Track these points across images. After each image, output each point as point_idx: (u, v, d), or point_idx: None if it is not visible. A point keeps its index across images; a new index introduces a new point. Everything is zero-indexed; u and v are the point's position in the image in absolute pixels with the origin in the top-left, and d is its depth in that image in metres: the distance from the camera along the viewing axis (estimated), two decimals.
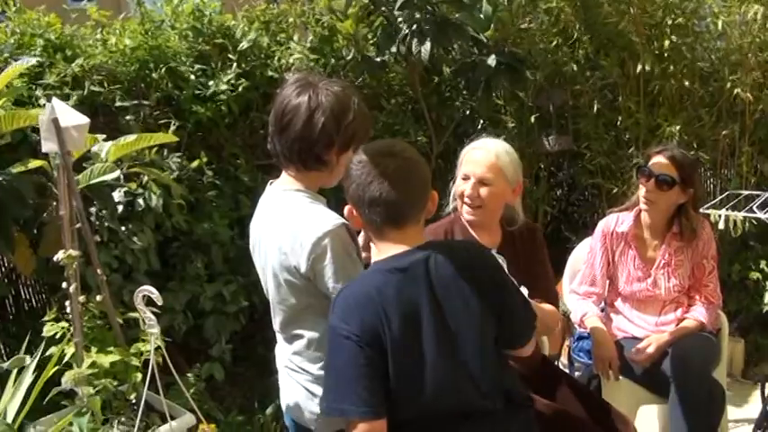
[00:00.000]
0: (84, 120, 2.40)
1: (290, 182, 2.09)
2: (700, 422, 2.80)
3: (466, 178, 2.62)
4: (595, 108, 4.44)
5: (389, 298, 1.83)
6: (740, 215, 3.36)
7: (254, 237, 2.22)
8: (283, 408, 2.25)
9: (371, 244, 1.99)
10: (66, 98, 3.22)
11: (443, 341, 1.87)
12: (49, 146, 2.34)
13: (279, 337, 2.27)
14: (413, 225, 1.93)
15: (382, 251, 1.94)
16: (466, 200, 2.61)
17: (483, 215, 2.65)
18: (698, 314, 3.08)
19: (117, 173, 2.82)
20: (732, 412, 3.72)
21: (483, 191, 2.59)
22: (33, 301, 3.74)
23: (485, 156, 2.60)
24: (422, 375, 1.87)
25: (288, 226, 2.02)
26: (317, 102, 1.99)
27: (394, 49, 3.99)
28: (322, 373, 2.03)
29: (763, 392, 2.94)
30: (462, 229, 2.71)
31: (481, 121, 4.79)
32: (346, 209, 1.95)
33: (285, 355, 2.22)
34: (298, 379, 2.15)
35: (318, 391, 2.05)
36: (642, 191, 3.05)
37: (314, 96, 1.99)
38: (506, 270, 2.25)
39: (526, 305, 2.12)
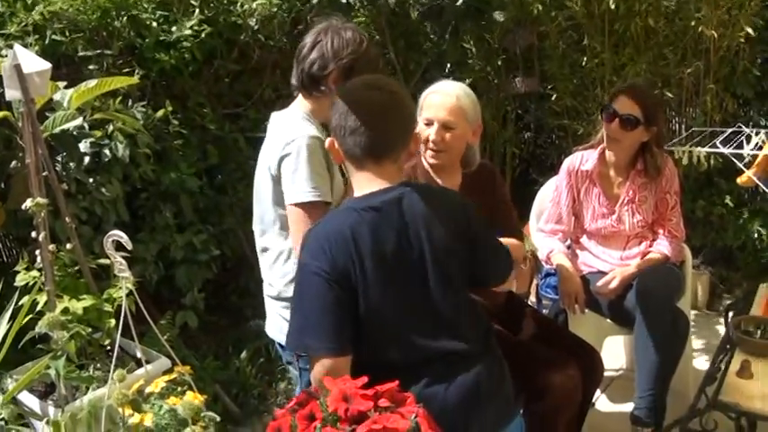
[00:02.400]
0: (47, 65, 2.36)
1: (293, 106, 2.34)
2: (664, 351, 2.88)
3: (429, 123, 2.61)
4: (561, 49, 4.46)
5: (362, 237, 1.85)
6: (704, 151, 3.42)
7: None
8: (268, 332, 2.42)
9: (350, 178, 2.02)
10: (26, 47, 3.16)
11: (416, 282, 1.90)
12: (12, 93, 2.31)
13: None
14: (391, 162, 1.94)
15: (358, 185, 1.95)
16: (431, 145, 2.61)
17: (446, 158, 2.66)
18: (662, 247, 3.14)
19: (80, 120, 2.79)
20: (697, 343, 3.84)
21: (447, 135, 2.60)
22: (4, 255, 3.72)
23: (446, 99, 2.60)
24: (393, 317, 1.89)
25: (273, 135, 2.27)
26: (323, 36, 2.25)
27: None
28: (290, 289, 2.11)
29: (726, 321, 3.02)
30: (424, 173, 2.72)
31: (449, 65, 4.79)
32: (327, 140, 2.00)
33: (263, 274, 2.37)
34: (276, 306, 2.29)
35: (286, 313, 2.15)
36: (607, 130, 3.08)
37: (323, 33, 2.26)
38: None
39: (501, 245, 2.16)
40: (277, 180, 2.17)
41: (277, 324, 2.32)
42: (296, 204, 2.13)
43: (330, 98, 2.14)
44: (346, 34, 2.24)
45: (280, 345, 2.34)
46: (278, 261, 2.27)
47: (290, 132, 2.18)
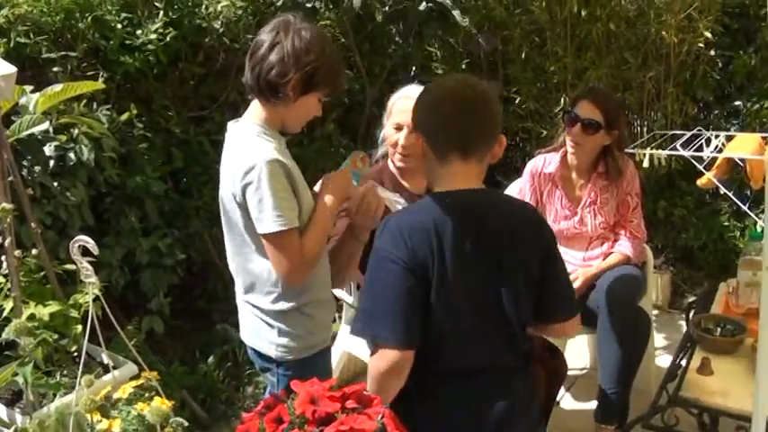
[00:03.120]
0: (12, 69, 2.34)
1: (249, 115, 2.18)
2: (627, 349, 2.93)
3: (398, 128, 2.63)
4: (524, 53, 4.51)
5: (446, 232, 1.82)
6: (664, 153, 3.47)
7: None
8: (243, 338, 2.34)
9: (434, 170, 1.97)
10: None
11: (490, 288, 1.88)
12: None
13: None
14: (477, 161, 1.91)
15: (441, 181, 1.93)
16: (400, 149, 2.63)
17: (415, 162, 2.68)
18: (623, 248, 3.20)
19: (46, 124, 2.77)
20: (660, 341, 3.91)
21: (415, 138, 2.62)
22: None
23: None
24: (460, 319, 1.86)
25: (231, 155, 2.13)
26: (282, 37, 2.06)
27: None
28: (275, 306, 2.14)
29: (687, 319, 3.09)
30: (391, 178, 2.75)
31: (413, 69, 4.82)
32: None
33: (238, 290, 2.30)
34: (254, 312, 2.23)
35: (275, 322, 2.16)
36: (569, 134, 3.13)
37: (282, 33, 2.07)
38: None
39: (570, 282, 2.09)
40: (244, 207, 2.09)
41: (254, 329, 2.26)
42: (266, 235, 2.07)
43: (286, 103, 2.10)
44: (307, 35, 2.07)
45: (254, 350, 2.30)
46: (259, 282, 2.19)
47: (248, 157, 2.05)
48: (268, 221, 2.04)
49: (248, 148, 2.08)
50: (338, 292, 3.00)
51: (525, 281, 1.91)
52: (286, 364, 2.22)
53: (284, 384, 2.18)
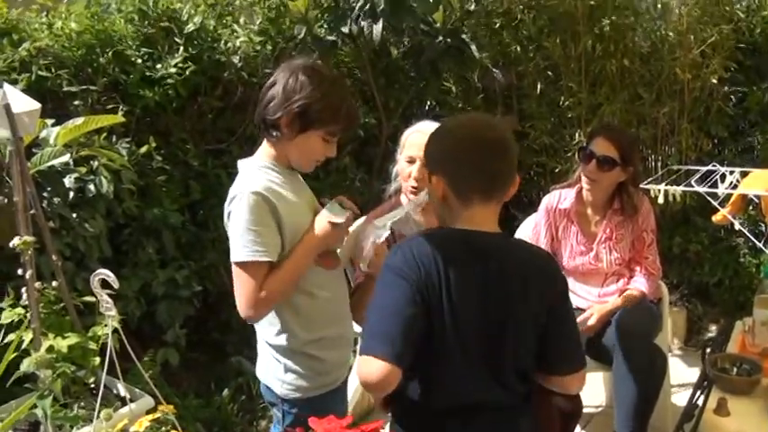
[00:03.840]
0: (36, 105, 2.39)
1: (258, 152, 2.22)
2: (643, 388, 2.92)
3: (411, 161, 2.65)
4: (539, 88, 4.54)
5: (456, 267, 1.82)
6: (679, 189, 3.48)
7: None
8: (257, 372, 2.34)
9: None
10: (13, 83, 3.19)
11: (492, 330, 1.86)
12: (0, 132, 2.33)
13: None
14: (496, 202, 1.91)
15: (459, 223, 1.91)
16: (412, 182, 2.66)
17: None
18: (639, 284, 3.20)
19: (67, 157, 2.81)
20: (676, 378, 3.87)
21: (424, 173, 2.64)
22: None
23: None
24: (458, 356, 1.85)
25: (232, 188, 2.15)
26: (281, 77, 2.11)
27: (345, 29, 4.02)
28: (278, 340, 2.16)
29: (703, 357, 3.07)
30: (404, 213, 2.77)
31: (429, 103, 4.86)
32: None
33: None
34: (265, 347, 2.24)
35: (281, 358, 2.17)
36: (584, 170, 3.15)
37: (282, 73, 2.13)
38: None
39: (577, 335, 2.03)
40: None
41: (264, 363, 2.28)
42: (235, 263, 2.09)
43: (284, 141, 2.12)
44: (303, 75, 2.10)
45: (267, 386, 2.30)
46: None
47: (236, 187, 2.11)
48: (235, 250, 2.06)
49: (240, 180, 2.14)
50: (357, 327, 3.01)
51: (532, 330, 1.89)
52: (292, 401, 2.22)
53: (290, 421, 2.21)
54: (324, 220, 2.17)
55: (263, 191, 2.06)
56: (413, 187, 2.67)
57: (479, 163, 1.86)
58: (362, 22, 3.94)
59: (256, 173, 2.14)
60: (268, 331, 2.21)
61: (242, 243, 2.04)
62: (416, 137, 2.67)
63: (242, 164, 2.22)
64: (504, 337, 1.86)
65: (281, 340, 2.18)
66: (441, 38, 4.21)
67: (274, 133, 2.12)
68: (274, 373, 2.22)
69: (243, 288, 2.08)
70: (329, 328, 2.24)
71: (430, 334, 1.82)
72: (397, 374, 1.76)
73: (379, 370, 1.74)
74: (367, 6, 3.93)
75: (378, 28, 3.89)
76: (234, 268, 2.09)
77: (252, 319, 2.14)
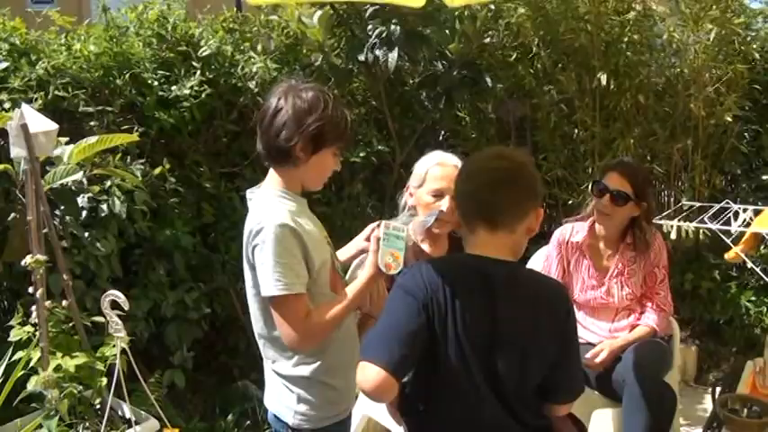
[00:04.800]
0: (53, 126, 2.41)
1: (267, 182, 2.18)
2: (652, 425, 2.88)
3: (439, 195, 2.65)
4: (552, 121, 4.55)
5: (461, 292, 1.86)
6: (692, 226, 3.47)
7: None
8: (265, 401, 2.30)
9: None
10: (30, 102, 3.22)
11: (493, 354, 1.88)
12: (17, 151, 2.35)
13: None
14: (506, 231, 1.92)
15: (470, 246, 1.97)
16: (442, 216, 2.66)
17: (451, 228, 2.72)
18: (650, 321, 3.17)
19: (80, 174, 2.82)
20: (685, 416, 3.84)
21: (454, 205, 2.66)
22: None
23: (453, 171, 2.64)
24: (460, 375, 1.88)
25: (249, 219, 2.12)
26: (284, 102, 2.08)
27: (362, 58, 4.05)
28: (294, 371, 2.14)
29: (713, 396, 3.05)
30: (412, 244, 2.77)
31: (442, 133, 4.88)
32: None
33: (263, 353, 2.26)
34: (276, 376, 2.21)
35: (295, 388, 2.15)
36: (597, 205, 3.14)
37: (283, 97, 2.09)
38: None
39: (579, 364, 2.09)
40: (254, 269, 2.10)
41: (275, 392, 2.24)
42: (268, 298, 2.07)
43: (299, 165, 2.10)
44: (308, 95, 2.08)
45: (276, 416, 2.25)
46: (276, 345, 2.18)
47: (260, 219, 2.06)
48: (269, 284, 2.03)
49: (262, 211, 2.09)
50: None
51: (539, 359, 1.91)
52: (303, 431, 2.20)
53: None
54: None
55: (290, 222, 2.05)
56: (442, 221, 2.67)
57: (480, 191, 1.92)
58: (378, 51, 3.97)
59: (276, 203, 2.11)
60: (282, 363, 2.18)
61: (275, 277, 2.02)
62: (439, 170, 2.68)
63: (256, 194, 2.19)
64: (508, 363, 1.87)
65: (298, 371, 2.16)
66: (456, 68, 4.24)
67: (290, 158, 2.09)
68: (287, 403, 2.19)
69: (287, 322, 2.06)
70: (342, 355, 2.22)
71: (435, 356, 1.86)
72: (391, 383, 1.79)
73: (374, 377, 1.78)
74: (383, 36, 3.96)
75: (393, 57, 3.92)
76: (272, 303, 2.07)
77: (302, 350, 2.13)
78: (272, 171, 2.18)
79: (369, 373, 1.79)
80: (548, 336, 1.91)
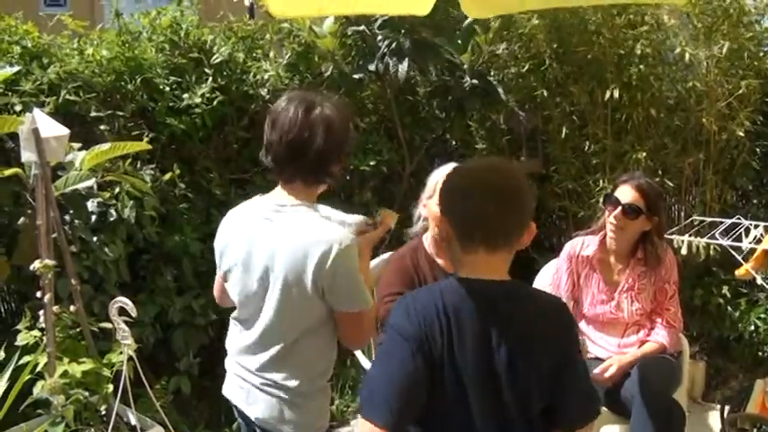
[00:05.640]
0: (65, 131, 2.41)
1: (287, 197, 2.14)
2: None
3: None
4: (564, 133, 4.53)
5: (459, 319, 1.78)
6: (703, 241, 3.46)
7: (241, 249, 2.19)
8: (252, 417, 2.24)
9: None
10: (41, 106, 3.22)
11: (489, 381, 1.80)
12: (27, 155, 2.35)
13: (244, 350, 2.27)
14: (504, 251, 1.84)
15: (466, 270, 1.86)
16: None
17: None
18: (659, 337, 3.15)
19: (92, 181, 2.82)
20: None
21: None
22: (2, 309, 3.71)
23: None
24: (458, 405, 1.81)
25: (300, 239, 2.05)
26: (329, 117, 2.06)
27: (372, 68, 4.05)
28: (315, 385, 2.18)
29: (722, 415, 3.02)
30: (426, 256, 2.78)
31: (453, 142, 4.87)
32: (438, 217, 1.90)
33: (253, 368, 2.22)
34: (281, 394, 2.17)
35: (304, 402, 2.16)
36: (609, 218, 3.12)
37: (321, 112, 2.06)
38: None
39: (589, 384, 1.94)
40: (320, 288, 2.06)
41: (280, 413, 2.19)
42: (360, 311, 2.11)
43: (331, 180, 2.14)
44: (342, 113, 2.11)
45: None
46: (306, 364, 2.19)
47: (326, 235, 2.04)
48: (360, 299, 2.09)
49: (322, 228, 2.07)
50: (363, 360, 2.99)
51: (540, 384, 1.82)
52: None
53: None
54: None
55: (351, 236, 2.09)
56: None
57: (481, 211, 1.79)
58: (389, 60, 3.97)
59: (326, 222, 2.12)
60: (297, 378, 2.16)
61: (363, 290, 2.09)
62: None
63: (278, 204, 2.14)
64: (508, 390, 1.80)
65: (314, 383, 2.19)
66: (467, 78, 4.23)
67: (332, 174, 2.13)
68: (289, 417, 2.17)
69: (368, 329, 2.23)
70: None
71: (433, 389, 1.79)
72: None
73: None
74: (393, 46, 3.96)
75: (403, 68, 3.92)
76: (356, 316, 2.12)
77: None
78: (292, 188, 2.13)
79: (366, 430, 1.76)
80: (546, 353, 1.82)
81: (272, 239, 2.09)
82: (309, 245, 2.02)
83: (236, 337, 2.30)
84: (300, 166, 2.08)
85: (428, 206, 2.74)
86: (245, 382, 2.25)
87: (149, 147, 3.18)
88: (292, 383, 2.17)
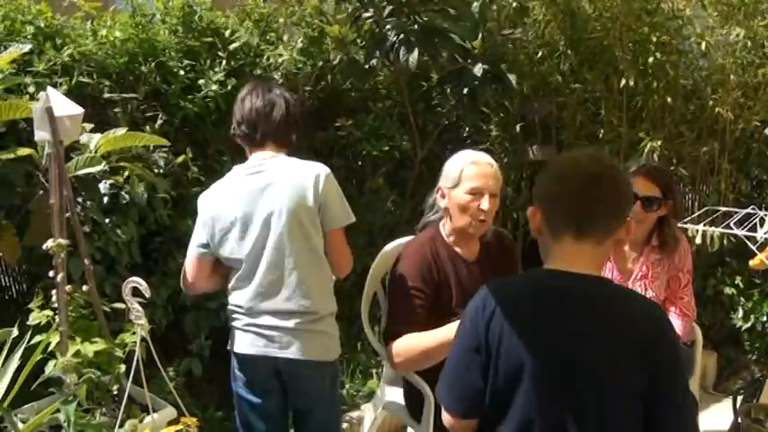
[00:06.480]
0: (78, 110, 2.40)
1: (263, 155, 2.64)
2: None
3: (477, 193, 2.65)
4: (578, 120, 4.50)
5: (517, 312, 1.74)
6: (717, 231, 3.42)
7: (235, 207, 2.58)
8: (303, 358, 2.56)
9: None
10: (54, 87, 3.21)
11: (551, 385, 1.69)
12: (41, 135, 2.34)
13: (259, 299, 2.57)
14: (594, 243, 1.73)
15: (551, 260, 1.79)
16: (481, 215, 2.66)
17: (485, 229, 2.74)
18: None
19: (103, 164, 2.82)
20: (704, 424, 3.78)
21: (494, 204, 2.66)
22: (13, 289, 3.72)
23: (488, 169, 2.69)
24: (520, 412, 1.72)
25: (295, 172, 2.54)
26: (285, 95, 2.70)
27: (383, 55, 4.02)
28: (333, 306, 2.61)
29: (734, 405, 3.00)
30: (443, 244, 2.76)
31: (466, 129, 4.84)
32: (529, 210, 1.84)
33: (273, 309, 2.54)
34: (319, 327, 2.58)
35: (329, 327, 2.63)
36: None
37: (280, 94, 2.69)
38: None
39: (686, 403, 1.75)
40: (316, 209, 2.52)
41: (322, 342, 2.62)
42: (343, 227, 2.60)
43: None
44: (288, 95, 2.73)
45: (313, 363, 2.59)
46: (325, 286, 2.61)
47: (310, 168, 2.56)
48: (345, 215, 2.58)
49: (305, 163, 2.58)
50: (375, 344, 2.99)
51: (624, 396, 1.66)
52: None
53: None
54: None
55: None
56: (481, 221, 2.66)
57: (573, 195, 1.73)
58: (399, 49, 3.92)
59: (302, 160, 2.61)
60: (329, 304, 2.63)
61: (347, 206, 2.59)
62: (474, 168, 2.68)
63: (281, 157, 2.63)
64: (574, 395, 1.68)
65: (329, 304, 2.64)
66: (479, 64, 4.18)
67: (293, 140, 2.71)
68: (330, 343, 2.64)
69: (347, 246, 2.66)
70: None
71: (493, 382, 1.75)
72: (466, 424, 1.85)
73: (450, 423, 1.87)
74: (402, 35, 3.91)
75: (414, 56, 3.87)
76: (341, 233, 2.62)
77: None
78: (264, 148, 2.65)
79: (447, 419, 1.88)
80: (632, 363, 1.66)
81: (268, 181, 2.53)
82: (303, 175, 2.51)
83: (244, 296, 2.58)
84: (268, 130, 2.62)
85: (451, 195, 2.70)
86: (272, 330, 2.55)
87: (167, 143, 3.16)
88: (322, 309, 2.57)
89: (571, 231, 1.74)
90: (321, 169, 2.53)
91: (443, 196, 2.74)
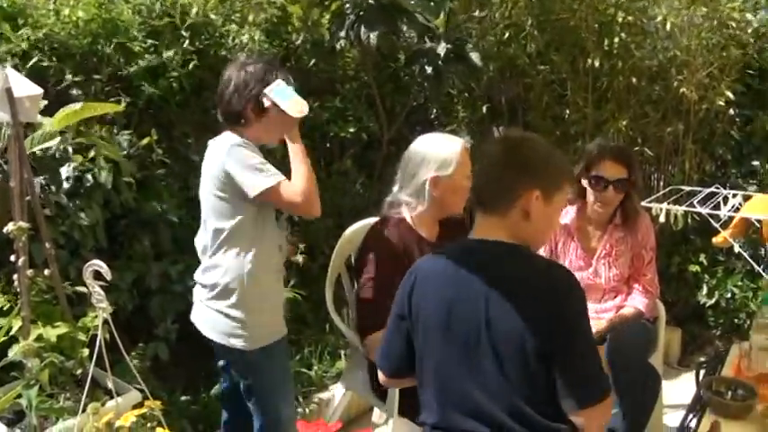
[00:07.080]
0: (38, 90, 2.37)
1: (230, 133, 2.57)
2: (635, 406, 2.90)
3: (469, 176, 2.71)
4: (544, 101, 4.52)
5: (429, 280, 1.95)
6: (681, 209, 3.46)
7: None
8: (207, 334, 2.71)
9: None
10: (15, 68, 3.15)
11: (456, 348, 1.86)
12: (0, 116, 2.30)
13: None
14: (498, 216, 1.89)
15: (473, 231, 1.99)
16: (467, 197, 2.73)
17: (444, 214, 2.81)
18: (636, 302, 3.18)
19: (57, 140, 2.77)
20: (668, 398, 3.83)
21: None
22: None
23: (466, 151, 2.75)
24: (433, 373, 1.94)
25: (217, 148, 2.53)
26: (229, 77, 2.53)
27: (344, 35, 3.98)
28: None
29: (697, 379, 3.05)
30: (408, 228, 2.77)
31: (434, 110, 4.84)
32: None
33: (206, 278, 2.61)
34: (212, 304, 2.62)
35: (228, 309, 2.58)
36: (599, 198, 3.11)
37: (229, 73, 2.55)
38: None
39: (593, 359, 1.86)
40: (225, 179, 2.43)
41: (213, 321, 2.67)
42: (264, 191, 2.38)
43: (250, 124, 2.50)
44: (251, 69, 2.50)
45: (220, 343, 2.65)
46: (237, 258, 2.50)
47: (217, 146, 2.52)
48: (258, 182, 2.38)
49: (217, 141, 2.55)
50: (342, 327, 2.99)
51: (524, 357, 1.78)
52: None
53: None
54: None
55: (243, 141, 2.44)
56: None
57: (475, 176, 2.08)
58: (360, 28, 3.88)
59: (234, 136, 2.50)
60: (230, 281, 2.59)
61: (260, 176, 2.38)
62: (465, 154, 2.75)
63: (226, 134, 2.55)
64: (476, 359, 1.84)
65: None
66: (443, 44, 4.14)
67: (242, 120, 2.50)
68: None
69: (293, 194, 2.42)
70: None
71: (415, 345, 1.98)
72: (396, 381, 2.16)
73: (382, 379, 2.13)
74: (361, 13, 3.86)
75: (374, 35, 3.84)
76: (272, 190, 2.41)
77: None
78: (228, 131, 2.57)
79: (380, 376, 2.13)
80: (527, 319, 1.78)
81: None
82: (218, 152, 2.48)
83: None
84: (222, 115, 2.60)
85: (449, 183, 2.70)
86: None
87: (122, 108, 3.12)
88: (216, 288, 2.56)
89: (478, 208, 1.96)
90: (228, 143, 2.50)
91: (436, 185, 2.72)
